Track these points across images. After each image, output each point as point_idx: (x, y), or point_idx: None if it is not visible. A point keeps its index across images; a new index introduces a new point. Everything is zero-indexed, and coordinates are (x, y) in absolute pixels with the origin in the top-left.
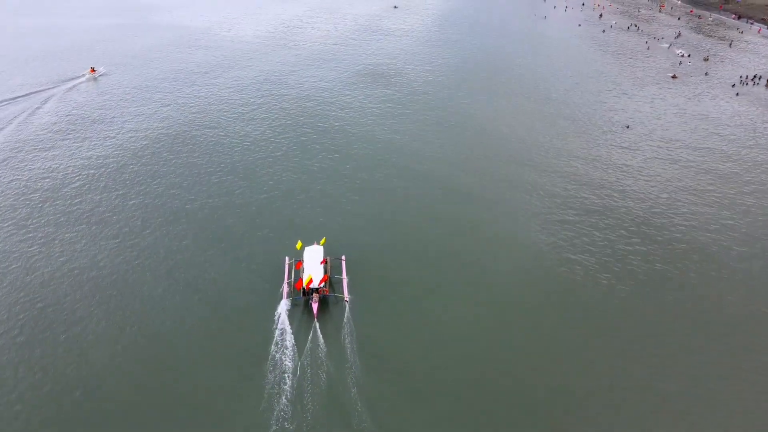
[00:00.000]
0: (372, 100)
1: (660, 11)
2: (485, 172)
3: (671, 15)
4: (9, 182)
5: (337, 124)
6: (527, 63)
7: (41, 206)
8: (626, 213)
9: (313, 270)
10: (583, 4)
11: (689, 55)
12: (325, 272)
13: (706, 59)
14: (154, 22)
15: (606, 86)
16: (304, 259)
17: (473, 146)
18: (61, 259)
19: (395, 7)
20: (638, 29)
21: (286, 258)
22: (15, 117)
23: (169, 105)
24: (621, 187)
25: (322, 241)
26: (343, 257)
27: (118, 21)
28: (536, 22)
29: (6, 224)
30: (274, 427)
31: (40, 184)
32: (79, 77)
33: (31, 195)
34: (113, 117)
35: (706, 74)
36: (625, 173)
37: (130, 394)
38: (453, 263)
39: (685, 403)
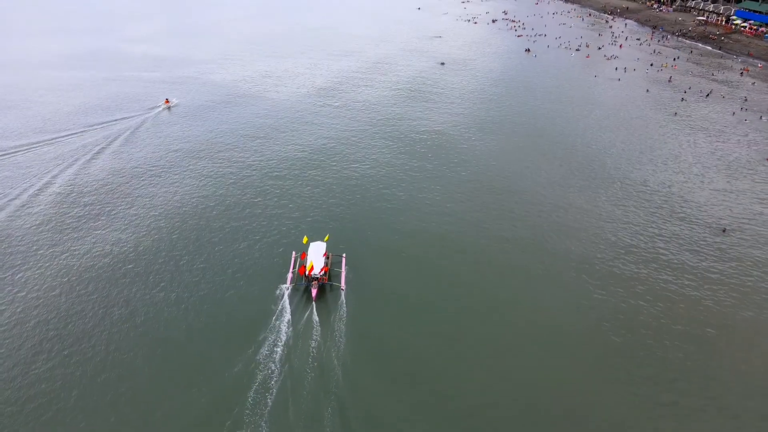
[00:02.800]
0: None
1: (742, 74)
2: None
3: (757, 78)
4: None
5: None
6: (589, 135)
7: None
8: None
9: (316, 260)
10: (651, 65)
11: None
12: (326, 264)
13: None
14: (198, 77)
15: (690, 171)
16: (309, 252)
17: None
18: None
19: (442, 63)
20: (722, 97)
21: (294, 252)
22: (120, 133)
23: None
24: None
25: (326, 237)
26: (344, 255)
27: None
28: (597, 85)
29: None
30: (260, 378)
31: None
32: (158, 107)
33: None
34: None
35: None
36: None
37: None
38: (454, 285)
39: None
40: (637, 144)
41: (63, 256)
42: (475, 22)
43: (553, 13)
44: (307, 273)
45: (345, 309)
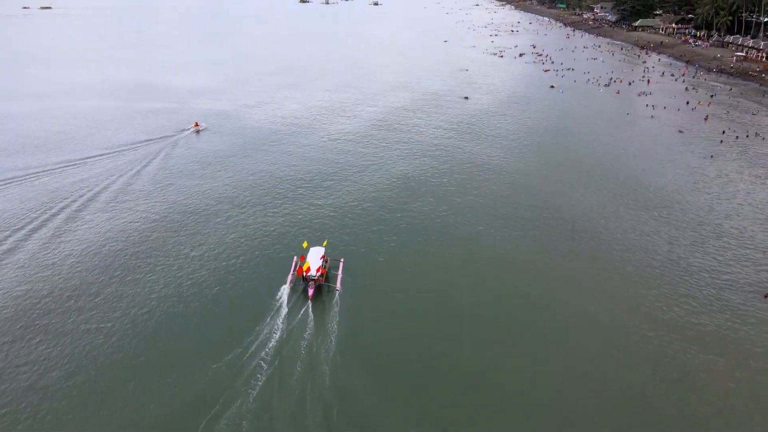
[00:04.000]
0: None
1: None
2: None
3: None
4: (164, 197)
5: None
6: (620, 182)
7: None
8: None
9: (313, 263)
10: (687, 102)
11: None
12: (324, 267)
13: None
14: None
15: (724, 229)
16: (308, 255)
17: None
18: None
19: (466, 98)
20: (763, 138)
21: (294, 256)
22: (159, 152)
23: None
24: None
25: (324, 243)
26: (342, 260)
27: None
28: (627, 124)
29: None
30: (252, 365)
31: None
32: (188, 129)
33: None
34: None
35: None
36: None
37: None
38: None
39: None
40: (667, 194)
41: (90, 237)
42: (501, 56)
43: (584, 48)
44: (304, 274)
45: (338, 308)
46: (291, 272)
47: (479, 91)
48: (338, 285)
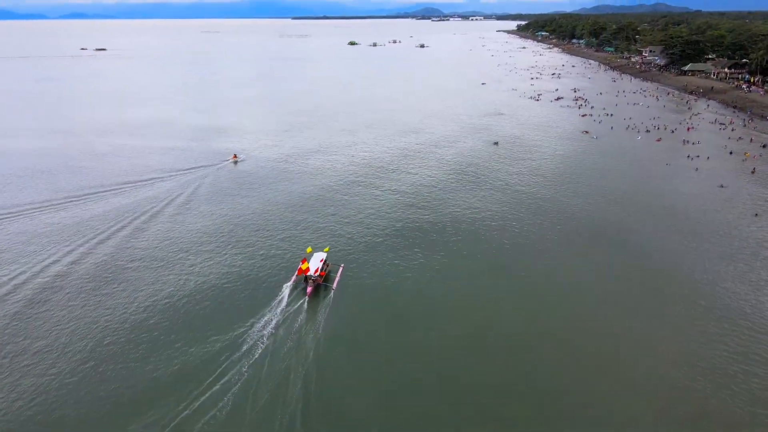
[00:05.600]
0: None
1: None
2: None
3: None
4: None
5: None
6: (649, 244)
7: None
8: None
9: (313, 264)
10: (731, 153)
11: None
12: (323, 270)
13: None
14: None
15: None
16: (310, 258)
17: None
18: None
19: (495, 143)
20: None
21: (300, 259)
22: (206, 176)
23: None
24: None
25: (326, 249)
26: (342, 265)
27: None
28: (666, 176)
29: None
30: (252, 340)
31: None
32: (227, 160)
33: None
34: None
35: None
36: None
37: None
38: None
39: None
40: (699, 259)
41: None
42: (538, 99)
43: (629, 92)
44: (304, 274)
45: (330, 304)
46: (296, 273)
47: (509, 136)
48: (334, 285)
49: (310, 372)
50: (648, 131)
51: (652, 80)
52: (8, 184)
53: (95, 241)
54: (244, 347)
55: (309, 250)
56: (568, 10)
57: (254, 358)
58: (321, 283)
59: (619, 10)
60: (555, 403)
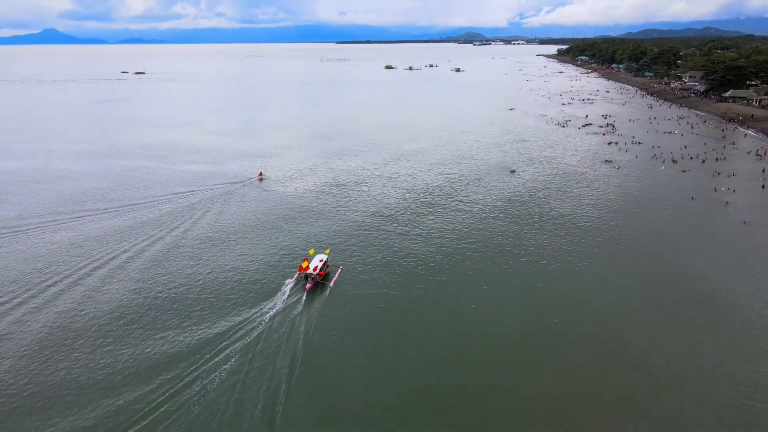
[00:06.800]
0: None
1: None
2: None
3: None
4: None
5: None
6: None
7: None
8: None
9: (313, 263)
10: (763, 187)
11: None
12: (322, 269)
13: None
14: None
15: None
16: (312, 258)
17: None
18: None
19: (512, 171)
20: None
21: (303, 259)
22: (233, 192)
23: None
24: None
25: (327, 251)
26: (341, 267)
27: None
28: (688, 214)
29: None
30: (253, 324)
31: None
32: (253, 177)
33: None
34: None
35: None
36: None
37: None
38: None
39: None
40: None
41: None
42: (564, 126)
43: (666, 118)
44: (305, 271)
45: (326, 300)
46: (297, 270)
47: (528, 164)
48: (331, 284)
49: (298, 352)
50: (674, 161)
51: (690, 107)
52: (93, 196)
53: (155, 237)
54: (248, 327)
55: (312, 252)
56: (614, 34)
57: (253, 337)
58: (320, 281)
59: (666, 35)
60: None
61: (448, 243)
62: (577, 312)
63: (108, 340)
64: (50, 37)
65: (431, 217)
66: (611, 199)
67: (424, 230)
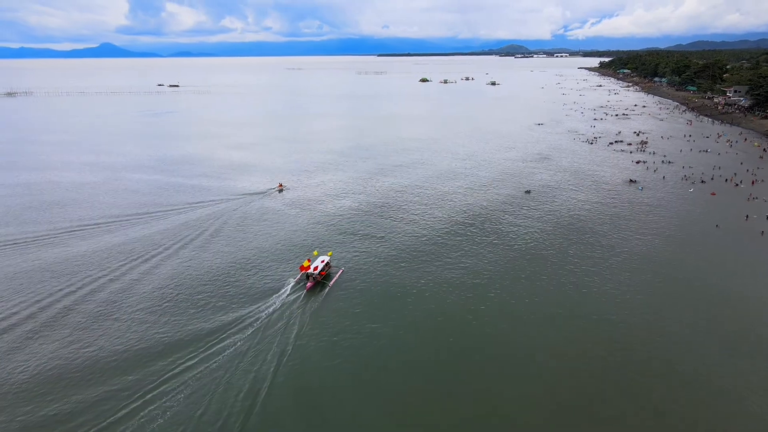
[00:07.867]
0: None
1: None
2: None
3: None
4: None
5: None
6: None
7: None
8: None
9: (314, 264)
10: None
11: None
12: (323, 270)
13: None
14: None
15: None
16: (314, 259)
17: None
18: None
19: (527, 191)
20: None
21: (306, 259)
22: (253, 201)
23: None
24: None
25: (329, 253)
26: (342, 269)
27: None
28: (708, 245)
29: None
30: (253, 318)
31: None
32: (273, 189)
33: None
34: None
35: None
36: None
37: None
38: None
39: None
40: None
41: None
42: (592, 143)
43: (704, 136)
44: (306, 271)
45: (324, 299)
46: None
47: (545, 185)
48: (331, 284)
49: (289, 345)
50: (703, 182)
51: (731, 123)
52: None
53: (189, 238)
54: (249, 320)
55: (315, 253)
56: (662, 46)
57: (252, 330)
58: (320, 280)
59: (719, 47)
60: None
61: (452, 263)
62: (597, 333)
63: (145, 321)
64: (107, 50)
65: (435, 238)
66: (621, 225)
67: (425, 246)
